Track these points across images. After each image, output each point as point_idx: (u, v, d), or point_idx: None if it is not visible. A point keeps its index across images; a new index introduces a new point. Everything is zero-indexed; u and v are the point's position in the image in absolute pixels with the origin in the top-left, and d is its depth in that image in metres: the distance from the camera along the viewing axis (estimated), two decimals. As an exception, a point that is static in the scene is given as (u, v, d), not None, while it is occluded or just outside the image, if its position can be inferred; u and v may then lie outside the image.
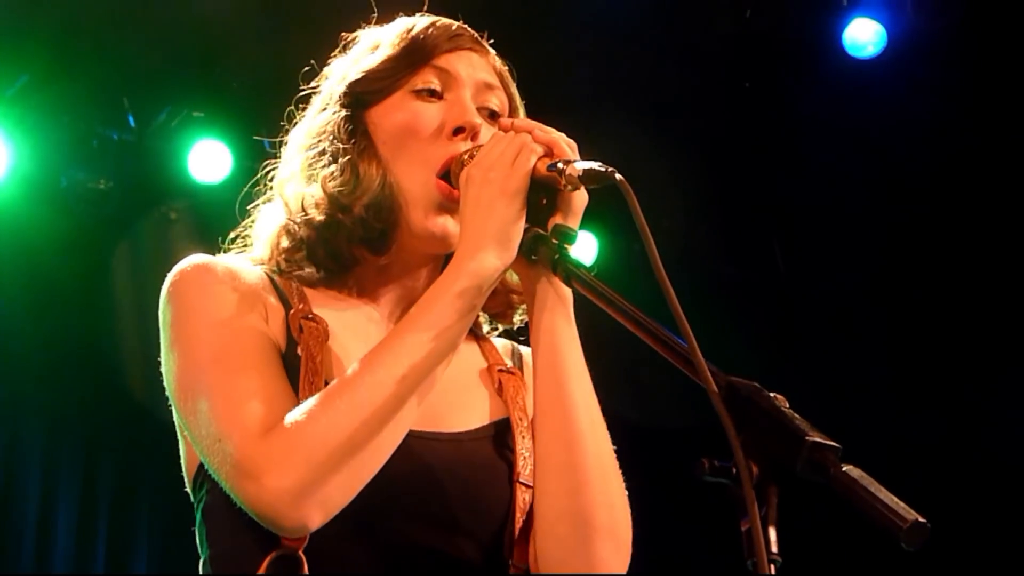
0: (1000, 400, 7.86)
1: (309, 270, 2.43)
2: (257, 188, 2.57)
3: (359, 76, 2.43)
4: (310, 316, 2.33)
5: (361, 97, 2.42)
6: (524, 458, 2.35)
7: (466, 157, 2.31)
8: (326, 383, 2.21)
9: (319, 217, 2.36)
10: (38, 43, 6.92)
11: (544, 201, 2.26)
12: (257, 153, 7.45)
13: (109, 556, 7.66)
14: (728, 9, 7.42)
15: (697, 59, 7.53)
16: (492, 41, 2.53)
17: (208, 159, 7.37)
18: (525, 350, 2.60)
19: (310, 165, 2.42)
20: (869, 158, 8.05)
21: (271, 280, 2.40)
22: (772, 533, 1.65)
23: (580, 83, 7.38)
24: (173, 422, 2.34)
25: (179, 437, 2.38)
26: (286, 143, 2.54)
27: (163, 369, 2.28)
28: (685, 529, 7.72)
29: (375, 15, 2.59)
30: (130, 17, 6.88)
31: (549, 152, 2.21)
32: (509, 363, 2.54)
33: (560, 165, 2.16)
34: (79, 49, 7.01)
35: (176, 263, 2.35)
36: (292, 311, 2.32)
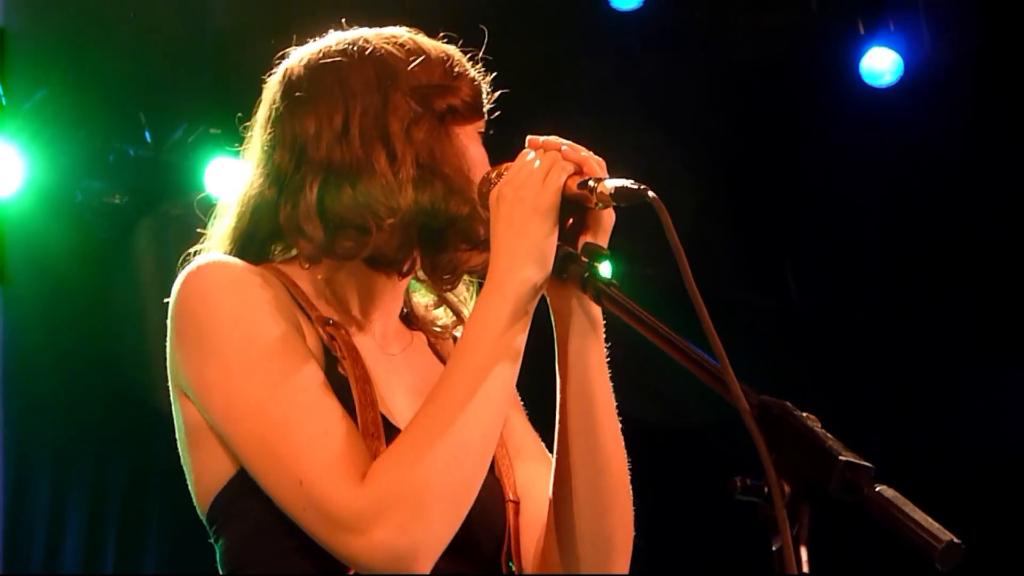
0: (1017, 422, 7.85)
1: (310, 272, 2.36)
2: None
3: (454, 92, 2.37)
4: (331, 321, 2.29)
5: (453, 114, 2.36)
6: (507, 477, 2.37)
7: (494, 176, 2.30)
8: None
9: (396, 218, 2.27)
10: (55, 57, 6.93)
11: (571, 221, 2.25)
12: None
13: (118, 560, 7.69)
14: (746, 37, 7.44)
15: (713, 86, 7.55)
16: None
17: (224, 176, 7.37)
18: None
19: (382, 160, 2.29)
20: (884, 186, 8.06)
21: (279, 283, 2.31)
22: (803, 552, 1.65)
23: (592, 108, 7.40)
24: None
25: (187, 456, 2.28)
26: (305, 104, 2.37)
27: (194, 378, 2.18)
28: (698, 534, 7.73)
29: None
30: (148, 33, 6.90)
31: (579, 170, 2.20)
32: None
33: (591, 183, 2.14)
34: (96, 64, 7.03)
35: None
36: (314, 315, 2.28)
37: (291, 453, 2.08)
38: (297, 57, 2.43)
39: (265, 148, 2.38)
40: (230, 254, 2.35)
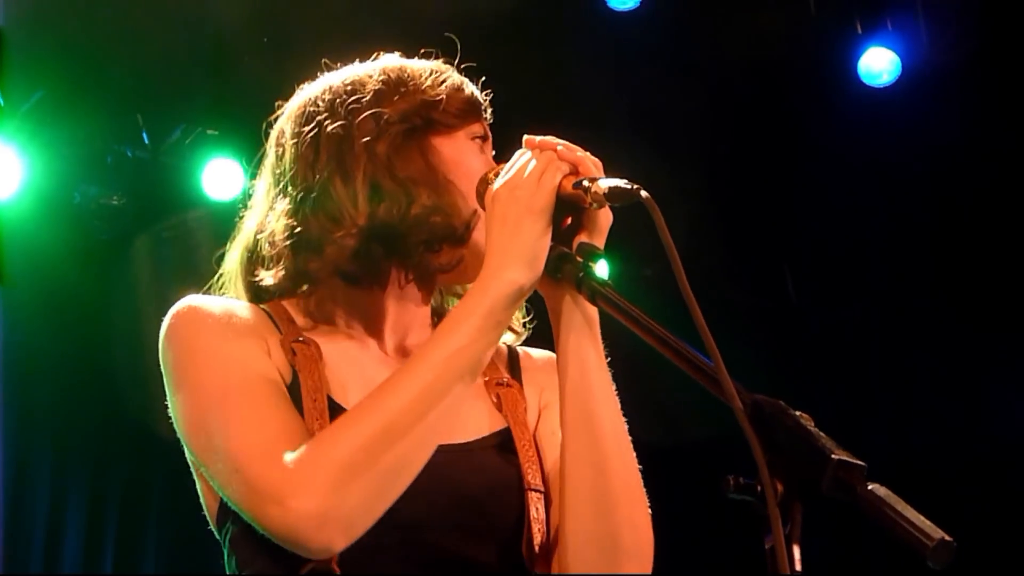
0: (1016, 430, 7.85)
1: (301, 292, 2.43)
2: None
3: (431, 104, 2.40)
4: (301, 339, 2.34)
5: (429, 125, 2.40)
6: (530, 466, 2.37)
7: (491, 175, 2.32)
8: (329, 399, 2.25)
9: (344, 230, 2.32)
10: (53, 59, 6.95)
11: (568, 220, 2.27)
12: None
13: (118, 561, 7.71)
14: (743, 36, 7.44)
15: (711, 86, 7.55)
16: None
17: (221, 177, 7.39)
18: (521, 351, 2.60)
19: (338, 179, 2.35)
20: (882, 186, 8.06)
21: (265, 312, 2.40)
22: (796, 551, 1.65)
23: (591, 107, 7.40)
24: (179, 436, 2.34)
25: (195, 477, 2.38)
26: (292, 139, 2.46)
27: (172, 412, 2.29)
28: (706, 544, 7.73)
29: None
30: (145, 34, 6.91)
31: (574, 170, 2.22)
32: (504, 373, 2.53)
33: (586, 183, 2.15)
34: (94, 66, 7.04)
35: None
36: (283, 336, 2.34)
37: (229, 446, 2.14)
38: (287, 109, 2.51)
39: (264, 194, 2.49)
40: (243, 297, 2.47)
